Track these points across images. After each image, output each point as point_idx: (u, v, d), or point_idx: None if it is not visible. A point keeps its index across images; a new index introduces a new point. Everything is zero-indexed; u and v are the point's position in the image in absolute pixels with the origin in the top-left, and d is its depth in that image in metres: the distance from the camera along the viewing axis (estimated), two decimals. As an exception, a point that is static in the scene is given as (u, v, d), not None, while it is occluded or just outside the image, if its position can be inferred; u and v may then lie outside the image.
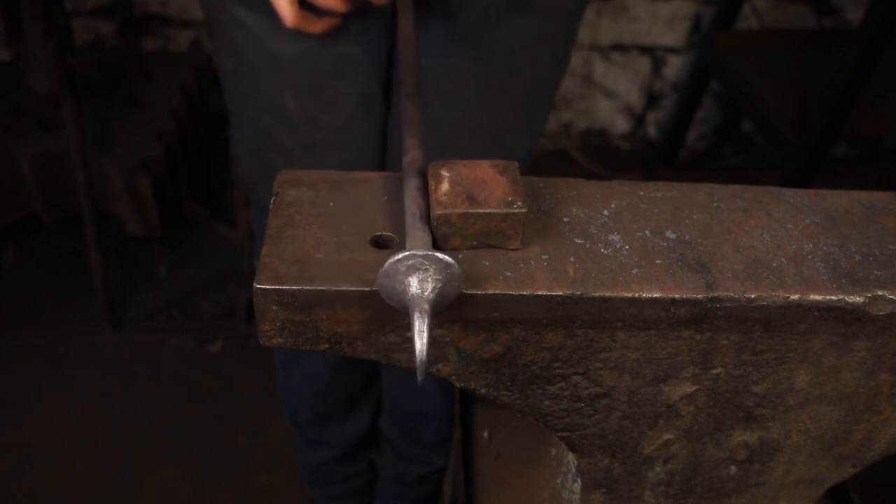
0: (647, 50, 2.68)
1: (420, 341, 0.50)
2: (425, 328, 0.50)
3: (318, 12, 0.89)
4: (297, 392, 1.50)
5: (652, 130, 2.86)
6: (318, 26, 0.92)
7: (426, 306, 0.51)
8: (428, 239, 0.54)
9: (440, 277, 0.51)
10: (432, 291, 0.51)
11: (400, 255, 0.51)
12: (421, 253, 0.51)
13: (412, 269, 0.51)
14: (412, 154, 0.62)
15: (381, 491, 1.71)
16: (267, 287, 0.54)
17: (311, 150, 1.11)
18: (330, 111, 1.08)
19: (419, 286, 0.51)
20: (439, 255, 0.51)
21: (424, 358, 0.50)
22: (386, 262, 0.51)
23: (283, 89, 1.06)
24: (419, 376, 0.51)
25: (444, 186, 0.57)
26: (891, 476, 1.43)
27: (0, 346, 2.02)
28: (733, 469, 0.71)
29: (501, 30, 1.01)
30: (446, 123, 1.08)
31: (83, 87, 1.97)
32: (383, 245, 0.58)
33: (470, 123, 1.08)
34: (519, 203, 0.56)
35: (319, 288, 0.54)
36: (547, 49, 1.07)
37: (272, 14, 0.89)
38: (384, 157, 1.18)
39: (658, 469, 0.70)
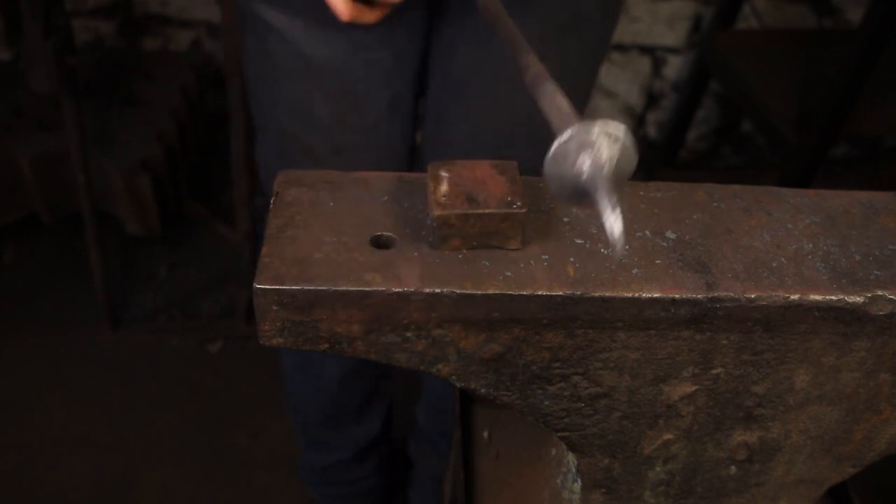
0: (647, 50, 2.68)
1: (615, 213, 0.47)
2: (615, 199, 0.47)
3: (371, 3, 0.88)
4: (307, 396, 1.50)
5: (652, 130, 2.86)
6: (371, 16, 0.90)
7: (608, 178, 0.48)
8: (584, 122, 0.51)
9: (615, 149, 0.49)
10: (608, 165, 0.49)
11: (567, 134, 0.48)
12: (596, 126, 0.48)
13: (584, 146, 0.49)
14: (534, 69, 0.60)
15: (419, 489, 1.71)
16: (267, 287, 0.54)
17: (339, 152, 1.11)
18: (358, 114, 1.08)
19: (594, 163, 0.48)
20: (610, 123, 0.48)
21: (622, 233, 0.48)
22: (554, 144, 0.49)
23: (312, 93, 1.06)
24: (618, 252, 0.49)
25: (444, 187, 0.57)
26: (891, 476, 1.43)
27: (0, 346, 2.02)
28: (733, 469, 0.70)
29: (536, 16, 1.01)
30: (480, 112, 1.08)
31: (83, 87, 1.97)
32: (383, 245, 0.58)
33: (508, 115, 1.09)
34: (519, 203, 0.56)
35: (319, 288, 0.54)
36: (582, 40, 1.07)
37: (305, 18, 0.88)
38: (412, 159, 1.18)
39: (658, 469, 0.70)
